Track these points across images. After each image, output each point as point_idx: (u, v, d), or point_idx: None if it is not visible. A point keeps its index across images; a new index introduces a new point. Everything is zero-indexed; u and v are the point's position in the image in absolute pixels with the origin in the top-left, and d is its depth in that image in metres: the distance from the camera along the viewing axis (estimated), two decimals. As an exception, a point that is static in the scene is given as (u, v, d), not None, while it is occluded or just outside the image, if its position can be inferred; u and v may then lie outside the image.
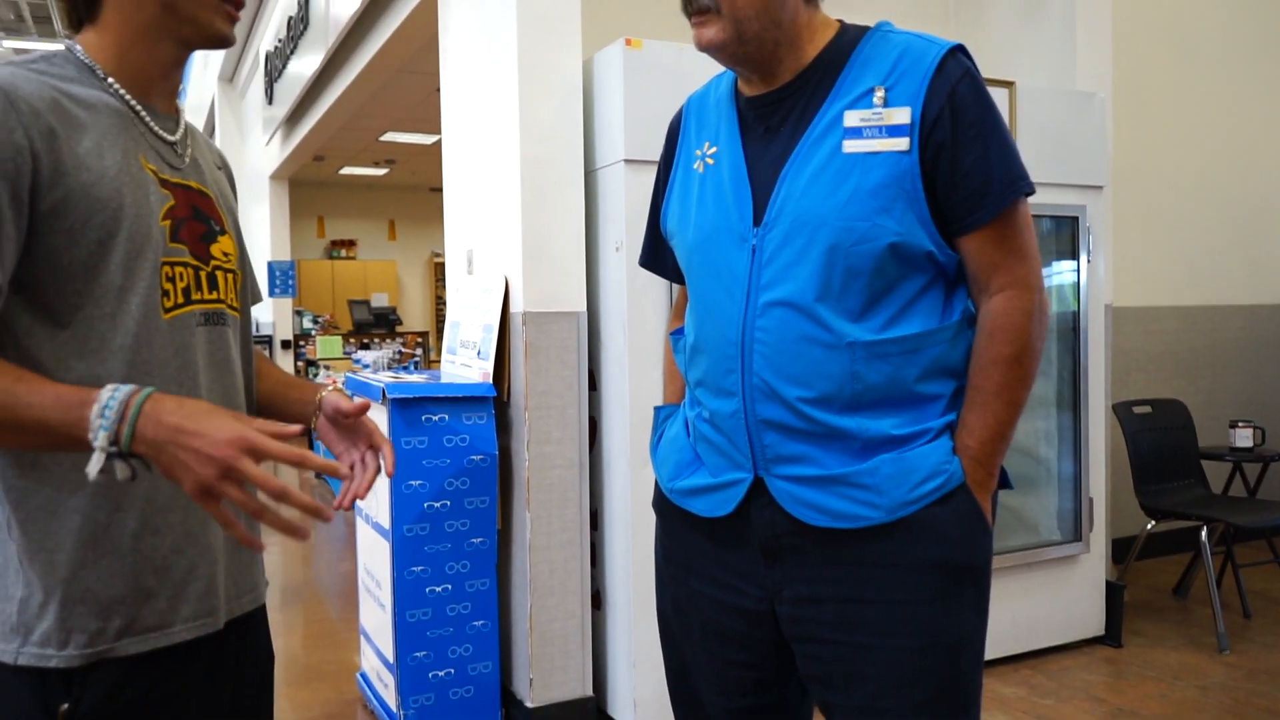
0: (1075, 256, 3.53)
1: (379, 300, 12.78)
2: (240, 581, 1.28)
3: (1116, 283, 4.02)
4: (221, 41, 1.22)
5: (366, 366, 7.33)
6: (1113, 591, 3.73)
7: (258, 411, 1.39)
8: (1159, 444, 4.18)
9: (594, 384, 2.99)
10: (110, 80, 1.19)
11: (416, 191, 14.09)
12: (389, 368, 7.44)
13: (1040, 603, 3.56)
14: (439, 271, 14.81)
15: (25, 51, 1.63)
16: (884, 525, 1.32)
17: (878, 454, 1.33)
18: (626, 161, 2.78)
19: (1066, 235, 3.53)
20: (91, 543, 1.11)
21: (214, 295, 1.25)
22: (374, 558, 3.10)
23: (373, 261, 14.44)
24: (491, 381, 2.95)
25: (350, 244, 14.41)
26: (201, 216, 1.24)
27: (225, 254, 1.27)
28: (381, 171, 12.36)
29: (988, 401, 1.33)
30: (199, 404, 1.05)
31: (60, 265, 1.11)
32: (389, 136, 9.69)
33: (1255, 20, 5.28)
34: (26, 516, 1.12)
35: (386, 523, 2.89)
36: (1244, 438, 4.28)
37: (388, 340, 10.59)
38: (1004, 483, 1.41)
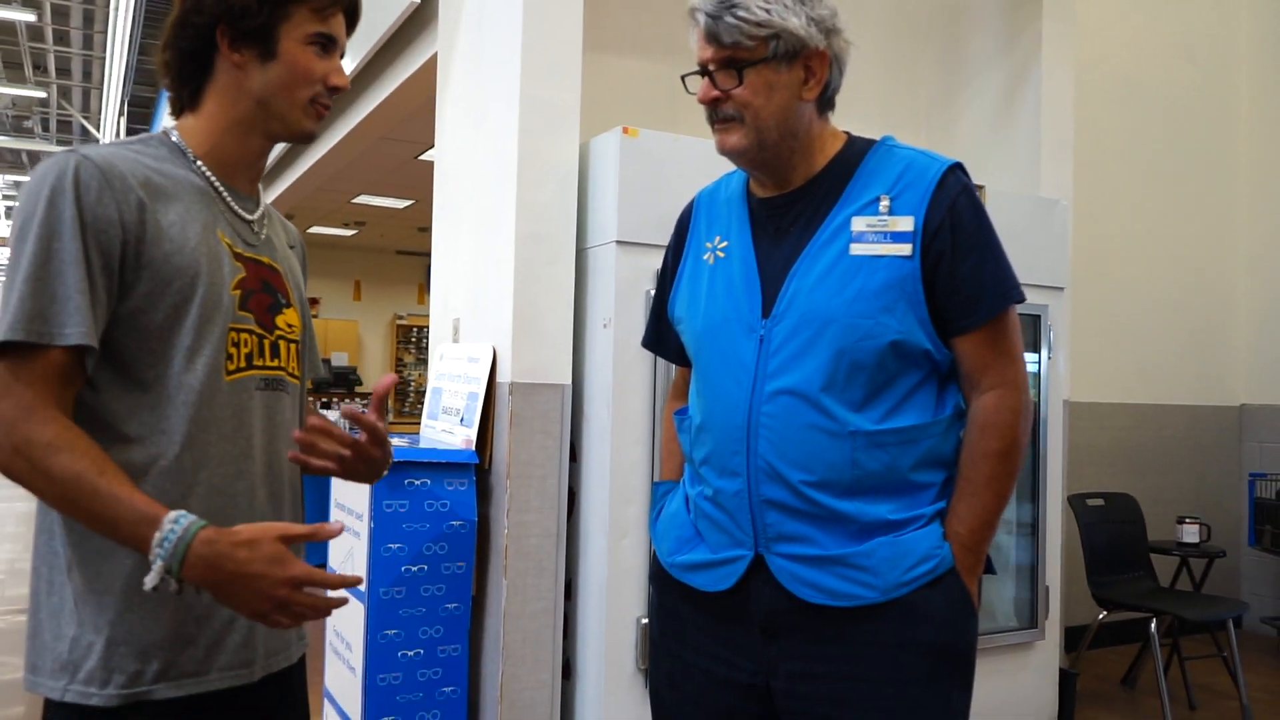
0: (1037, 351, 3.69)
1: (339, 359, 12.75)
2: (278, 637, 1.34)
3: (1073, 379, 4.19)
4: (306, 138, 1.35)
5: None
6: (1066, 679, 3.81)
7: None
8: (1110, 536, 4.32)
9: (575, 455, 3.06)
10: (199, 162, 1.31)
11: (384, 254, 14.17)
12: (350, 429, 7.42)
13: (997, 688, 3.63)
14: (401, 333, 14.83)
15: None
16: (878, 605, 1.41)
17: (874, 537, 1.42)
18: (618, 242, 2.89)
19: (1029, 332, 3.69)
20: (139, 587, 1.17)
21: (275, 362, 1.34)
22: (345, 619, 3.10)
23: (335, 320, 14.42)
24: (475, 449, 3.00)
25: (313, 302, 14.39)
26: (270, 289, 1.34)
27: (289, 325, 1.37)
28: (350, 232, 12.43)
29: (977, 491, 1.43)
30: (245, 538, 1.14)
31: (139, 326, 1.20)
32: (362, 199, 9.79)
33: (1209, 138, 5.60)
34: (84, 558, 1.18)
35: (363, 585, 2.90)
36: (1190, 533, 4.43)
37: (347, 399, 10.54)
38: (988, 568, 1.50)
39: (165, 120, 12.17)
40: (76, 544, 1.19)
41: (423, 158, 7.33)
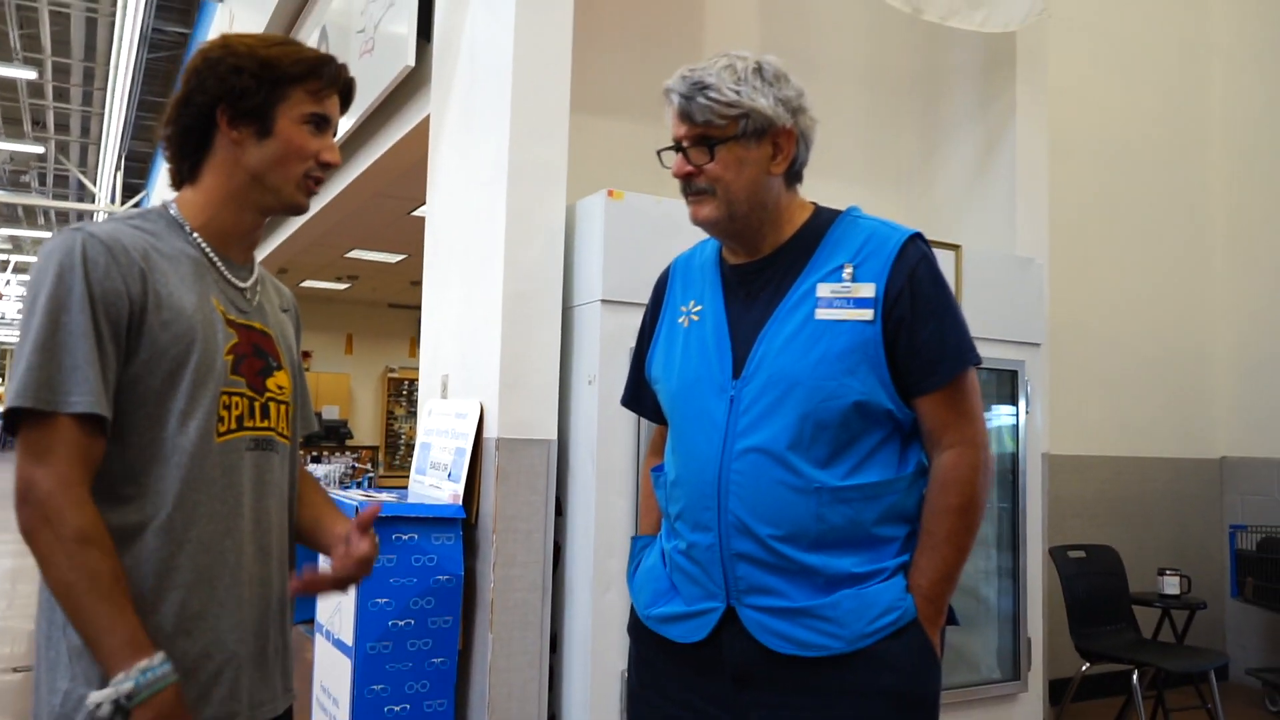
0: (1015, 403, 3.77)
1: (330, 413, 12.78)
2: (261, 690, 1.38)
3: (1053, 432, 4.27)
4: (297, 211, 1.43)
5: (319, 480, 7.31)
6: (1050, 732, 3.84)
7: (299, 536, 1.53)
8: (1092, 588, 4.36)
9: (560, 510, 3.11)
10: (195, 235, 1.39)
11: (375, 307, 14.26)
12: (341, 484, 7.44)
13: (981, 741, 3.65)
14: (392, 386, 14.87)
15: None
16: (844, 655, 1.46)
17: (839, 589, 1.48)
18: (603, 301, 2.97)
19: (1007, 386, 3.77)
20: None
21: (265, 423, 1.40)
22: (331, 674, 3.12)
23: (326, 374, 14.46)
24: (461, 503, 3.06)
25: (305, 355, 14.44)
26: (261, 353, 1.41)
27: (280, 387, 1.44)
28: (343, 286, 12.53)
29: (938, 545, 1.49)
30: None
31: (137, 391, 1.27)
32: (355, 254, 9.90)
33: (1185, 195, 5.75)
34: None
35: (349, 639, 2.94)
36: (1171, 585, 4.48)
37: (338, 454, 10.56)
38: (951, 619, 1.56)
39: (161, 179, 12.31)
40: None
41: (415, 213, 7.45)
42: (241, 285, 1.44)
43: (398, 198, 6.86)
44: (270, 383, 1.43)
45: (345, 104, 1.48)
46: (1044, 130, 4.27)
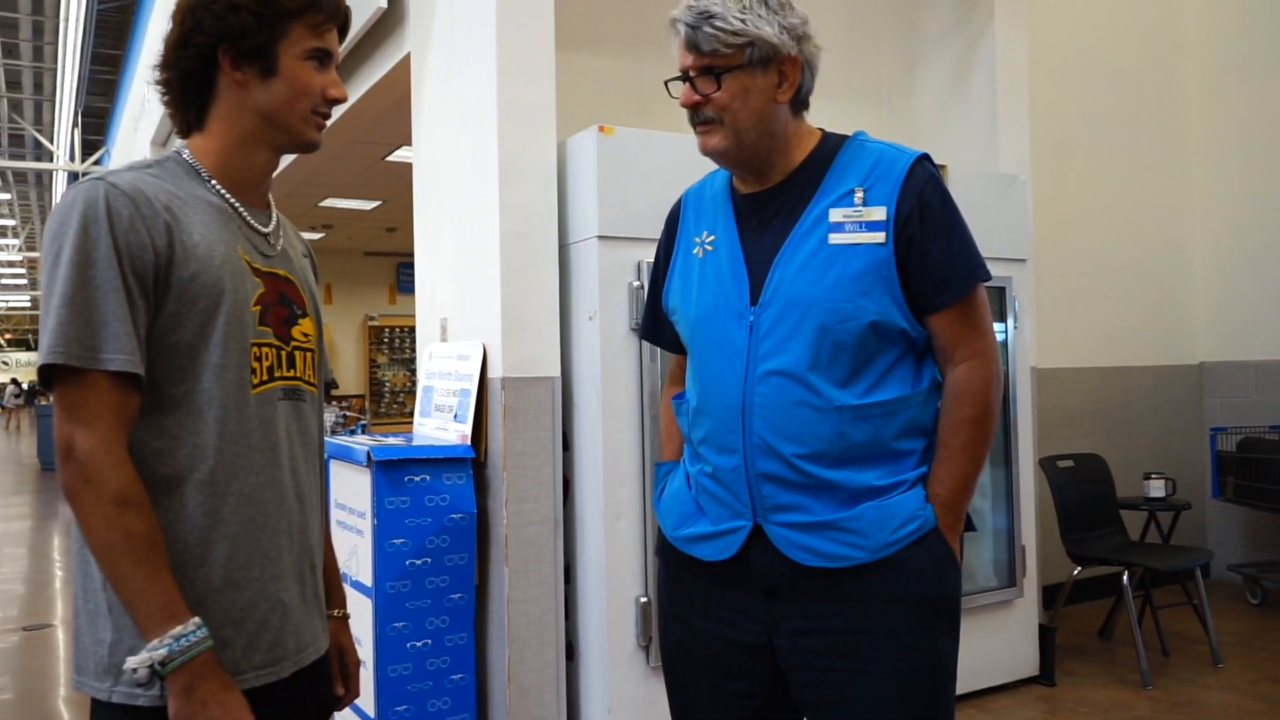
0: (1004, 321, 3.85)
1: (314, 363, 12.74)
2: (304, 634, 1.41)
3: (1039, 346, 4.35)
4: (310, 147, 1.41)
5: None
6: (1045, 634, 3.98)
7: None
8: (1081, 495, 4.49)
9: (567, 444, 3.17)
10: (213, 181, 1.37)
11: (352, 255, 14.14)
12: (333, 432, 7.47)
13: (980, 645, 3.79)
14: (373, 334, 14.82)
15: None
16: (869, 564, 1.53)
17: (862, 502, 1.54)
18: (599, 237, 3.00)
19: (995, 303, 3.84)
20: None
21: (292, 373, 1.41)
22: (354, 616, 3.19)
23: (307, 324, 14.36)
24: (470, 443, 3.11)
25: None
26: (286, 301, 1.41)
27: (305, 335, 1.44)
28: (318, 236, 12.41)
29: (955, 456, 1.56)
30: (233, 683, 1.27)
31: (167, 344, 1.27)
32: (329, 202, 9.80)
33: (1161, 104, 5.78)
34: None
35: (369, 580, 3.00)
36: (1157, 488, 4.62)
37: (327, 404, 10.57)
38: (969, 526, 1.63)
39: (122, 135, 12.05)
40: None
41: (391, 158, 7.37)
42: (264, 230, 1.42)
43: (372, 143, 6.79)
44: (296, 331, 1.42)
45: (342, 37, 1.44)
46: (1023, 44, 4.27)
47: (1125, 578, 4.11)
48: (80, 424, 1.20)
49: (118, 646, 1.25)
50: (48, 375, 1.22)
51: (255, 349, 1.34)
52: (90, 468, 1.19)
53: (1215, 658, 4.21)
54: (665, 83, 1.65)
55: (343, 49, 1.50)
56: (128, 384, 1.23)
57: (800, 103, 1.63)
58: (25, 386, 33.28)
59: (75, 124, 14.81)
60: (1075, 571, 4.28)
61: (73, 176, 15.66)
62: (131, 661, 1.19)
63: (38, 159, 17.83)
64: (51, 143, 16.13)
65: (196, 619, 1.21)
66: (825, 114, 1.87)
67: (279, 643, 1.36)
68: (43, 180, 20.00)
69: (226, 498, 1.30)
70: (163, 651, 1.19)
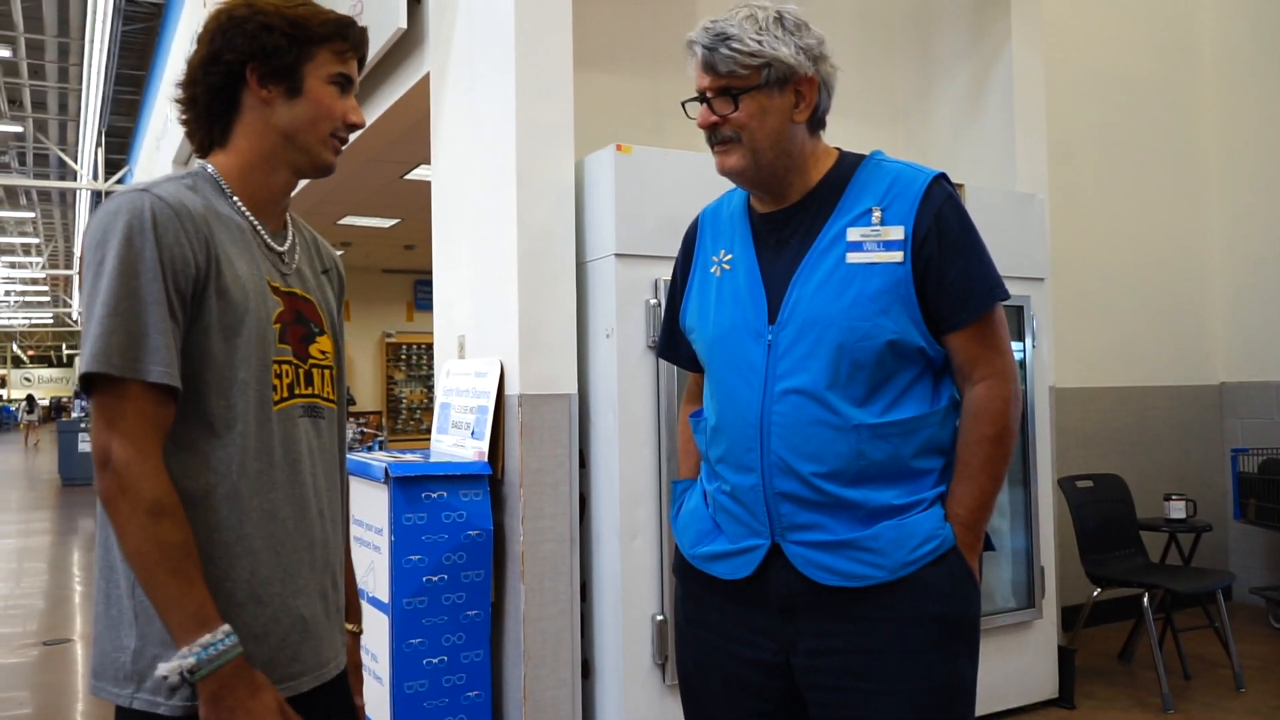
0: (1021, 340, 3.83)
1: (331, 380, 12.80)
2: (325, 650, 1.43)
3: (1057, 366, 4.33)
4: (326, 170, 1.44)
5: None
6: (1064, 656, 3.95)
7: None
8: (1101, 516, 4.46)
9: (584, 462, 3.17)
10: (235, 199, 1.39)
11: (370, 273, 14.21)
12: (350, 449, 7.52)
13: (998, 667, 3.76)
14: (390, 351, 14.88)
15: None
16: (887, 584, 1.52)
17: (880, 521, 1.53)
18: (617, 255, 3.01)
19: (1013, 322, 3.83)
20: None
21: (310, 390, 1.43)
22: (371, 632, 3.20)
23: (324, 342, 14.43)
24: (487, 460, 3.12)
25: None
26: (303, 320, 1.43)
27: (322, 352, 1.46)
28: (337, 254, 12.49)
29: (974, 475, 1.55)
30: (263, 682, 1.28)
31: (196, 358, 1.28)
32: (347, 220, 9.87)
33: (1177, 121, 5.77)
34: None
35: (385, 596, 3.01)
36: (1177, 509, 4.58)
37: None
38: (988, 545, 1.62)
39: (144, 154, 12.18)
40: None
41: (409, 177, 7.43)
42: (280, 249, 1.44)
43: (391, 161, 6.84)
44: (313, 349, 1.44)
45: (360, 68, 1.48)
46: (1038, 62, 4.28)
47: (1146, 600, 4.07)
48: (118, 434, 1.22)
49: (141, 654, 1.26)
50: (88, 383, 1.24)
51: (276, 366, 1.36)
52: (126, 477, 1.21)
53: (1238, 682, 4.16)
54: (683, 104, 1.66)
55: (363, 70, 1.52)
56: (165, 396, 1.24)
57: (817, 122, 1.64)
58: (42, 402, 33.52)
59: (99, 143, 15.01)
60: (1095, 593, 4.25)
61: (96, 195, 15.85)
62: (163, 669, 1.20)
63: (61, 178, 18.06)
64: (75, 162, 16.34)
65: (226, 626, 1.23)
66: (842, 133, 1.88)
67: (299, 657, 1.37)
68: (66, 199, 20.26)
69: (249, 513, 1.31)
70: (191, 660, 1.20)
